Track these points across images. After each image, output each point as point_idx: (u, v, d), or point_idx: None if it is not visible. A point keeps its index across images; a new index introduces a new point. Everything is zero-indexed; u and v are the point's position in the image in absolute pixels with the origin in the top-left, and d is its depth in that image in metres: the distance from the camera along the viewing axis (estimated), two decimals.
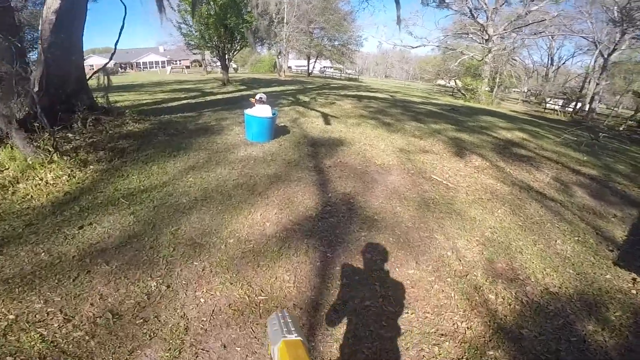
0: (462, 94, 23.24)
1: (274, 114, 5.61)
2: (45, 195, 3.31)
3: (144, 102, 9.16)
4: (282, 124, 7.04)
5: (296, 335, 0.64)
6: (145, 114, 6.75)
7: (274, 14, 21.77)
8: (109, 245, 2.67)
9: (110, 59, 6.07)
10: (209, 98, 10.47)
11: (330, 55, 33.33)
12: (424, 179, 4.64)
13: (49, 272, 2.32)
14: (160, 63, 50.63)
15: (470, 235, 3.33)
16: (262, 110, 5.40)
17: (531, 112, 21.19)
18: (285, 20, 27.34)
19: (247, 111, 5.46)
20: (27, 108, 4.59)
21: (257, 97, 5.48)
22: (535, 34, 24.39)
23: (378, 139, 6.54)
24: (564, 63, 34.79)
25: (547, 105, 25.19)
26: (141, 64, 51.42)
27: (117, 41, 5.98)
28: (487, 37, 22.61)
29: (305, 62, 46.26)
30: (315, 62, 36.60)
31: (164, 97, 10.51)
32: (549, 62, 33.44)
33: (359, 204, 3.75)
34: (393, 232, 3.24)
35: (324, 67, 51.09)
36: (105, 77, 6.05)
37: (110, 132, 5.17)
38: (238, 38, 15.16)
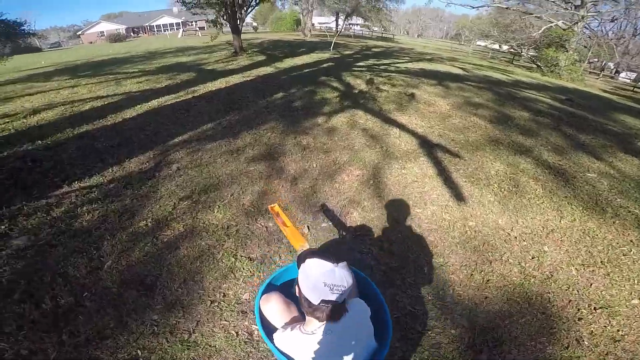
0: (538, 65, 17.64)
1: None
2: None
3: (67, 115, 4.66)
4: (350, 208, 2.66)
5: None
6: None
7: None
8: None
9: None
10: (202, 90, 5.85)
11: (365, 13, 26.48)
12: None
13: None
14: (175, 25, 44.73)
15: None
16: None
17: (620, 91, 16.13)
18: None
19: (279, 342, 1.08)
20: None
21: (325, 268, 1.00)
22: None
23: None
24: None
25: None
26: (154, 27, 45.69)
27: None
28: (579, 2, 16.79)
29: (327, 20, 39.17)
30: (345, 19, 29.93)
31: (132, 89, 6.04)
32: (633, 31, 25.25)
33: None
34: None
35: (350, 24, 43.53)
36: None
37: None
38: None
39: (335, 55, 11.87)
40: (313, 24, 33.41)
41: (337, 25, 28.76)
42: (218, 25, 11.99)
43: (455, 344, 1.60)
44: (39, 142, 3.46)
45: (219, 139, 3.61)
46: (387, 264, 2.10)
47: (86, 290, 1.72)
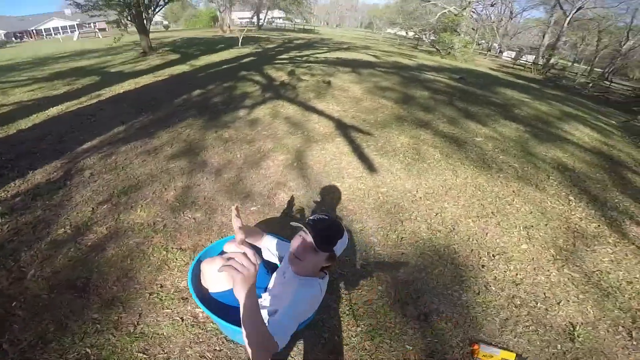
0: (437, 49, 19.87)
1: None
2: None
3: None
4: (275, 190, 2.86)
5: None
6: None
7: None
8: None
9: None
10: (108, 93, 5.33)
11: (286, 7, 26.63)
12: None
13: None
14: (69, 28, 38.78)
15: None
16: None
17: (504, 68, 19.04)
18: None
19: None
20: None
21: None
22: None
23: None
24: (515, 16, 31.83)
25: (518, 60, 24.13)
26: (43, 31, 38.96)
27: None
28: None
29: (248, 14, 38.57)
30: (266, 13, 29.61)
31: (23, 98, 5.21)
32: (509, 14, 30.25)
33: None
34: None
35: (273, 17, 43.29)
36: None
37: None
38: None
39: (257, 50, 11.82)
40: (232, 20, 32.32)
41: (258, 19, 28.30)
42: (122, 26, 10.95)
43: (384, 299, 1.81)
44: None
45: (133, 140, 3.47)
46: None
47: (14, 299, 1.64)
